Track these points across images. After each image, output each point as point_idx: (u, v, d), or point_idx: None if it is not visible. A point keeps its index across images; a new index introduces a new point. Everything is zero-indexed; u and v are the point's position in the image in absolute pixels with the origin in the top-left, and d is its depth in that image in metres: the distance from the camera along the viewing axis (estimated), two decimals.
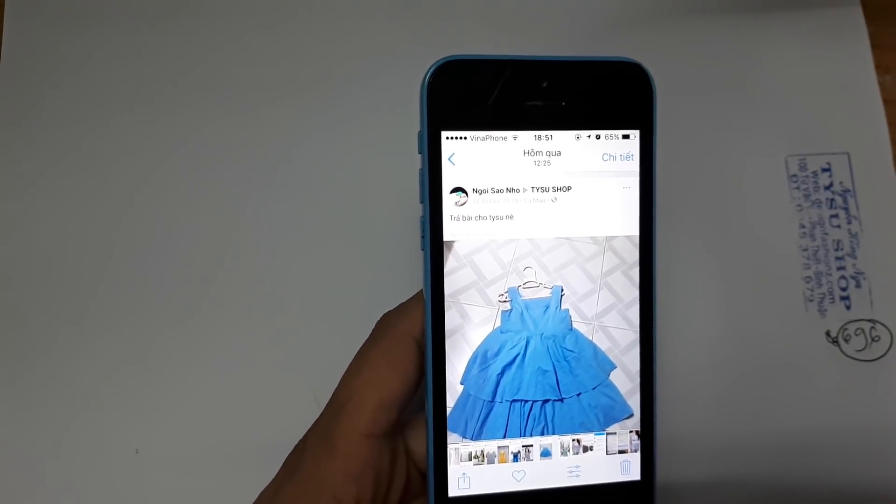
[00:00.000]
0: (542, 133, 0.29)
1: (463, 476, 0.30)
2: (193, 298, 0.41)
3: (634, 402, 0.31)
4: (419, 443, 0.31)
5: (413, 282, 0.37)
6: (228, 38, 0.44)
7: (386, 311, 0.32)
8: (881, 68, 0.46)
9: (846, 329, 0.41)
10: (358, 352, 0.31)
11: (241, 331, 0.40)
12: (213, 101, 0.43)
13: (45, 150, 0.42)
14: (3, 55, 0.43)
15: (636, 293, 0.30)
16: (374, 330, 0.31)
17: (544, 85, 0.29)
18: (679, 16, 0.46)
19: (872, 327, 0.41)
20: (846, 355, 0.41)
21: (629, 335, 0.31)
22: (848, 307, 0.42)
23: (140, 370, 0.40)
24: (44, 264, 0.41)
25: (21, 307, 0.40)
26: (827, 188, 0.44)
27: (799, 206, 0.44)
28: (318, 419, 0.31)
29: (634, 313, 0.30)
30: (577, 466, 0.30)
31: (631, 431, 0.31)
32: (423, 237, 0.29)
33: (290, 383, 0.40)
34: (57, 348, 0.40)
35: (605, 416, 0.31)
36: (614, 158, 0.30)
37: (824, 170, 0.44)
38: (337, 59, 0.44)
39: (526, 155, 0.29)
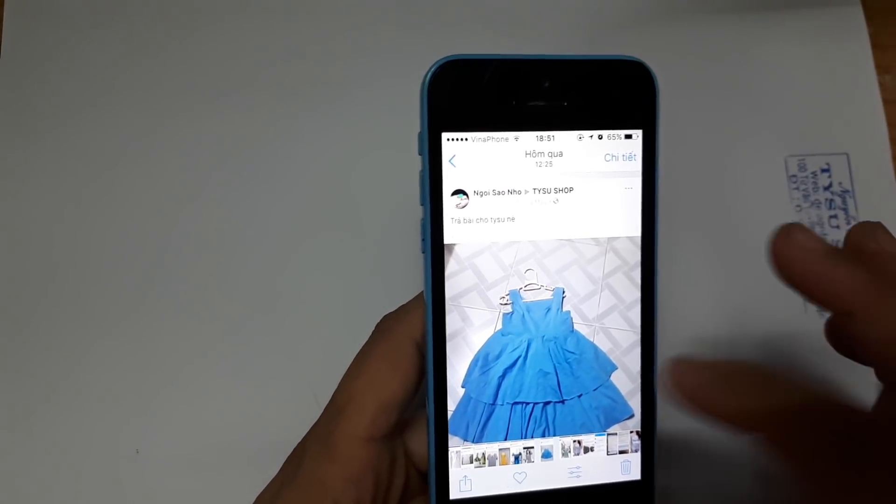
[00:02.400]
0: (544, 134, 0.29)
1: (464, 478, 0.30)
2: (194, 299, 0.41)
3: (635, 403, 0.31)
4: (418, 443, 0.31)
5: (415, 284, 0.37)
6: (228, 37, 0.44)
7: (386, 312, 0.31)
8: (881, 68, 0.46)
9: None
10: (357, 354, 0.31)
11: (241, 331, 0.40)
12: (212, 101, 0.43)
13: (45, 150, 0.42)
14: (3, 55, 0.43)
15: (637, 294, 0.30)
16: (373, 332, 0.31)
17: (546, 85, 0.28)
18: (679, 15, 0.46)
19: None
20: None
21: (630, 336, 0.30)
22: None
23: (140, 370, 0.40)
24: (43, 264, 0.41)
25: (21, 307, 0.40)
26: (826, 189, 0.44)
27: (798, 206, 0.44)
28: (317, 422, 0.31)
29: (636, 314, 0.30)
30: (578, 467, 0.30)
31: (632, 432, 0.31)
32: (423, 240, 0.29)
33: (291, 384, 0.40)
34: (57, 348, 0.40)
35: (605, 416, 0.31)
36: (616, 159, 0.30)
37: (824, 170, 0.44)
38: (337, 60, 0.44)
39: (527, 156, 0.29)
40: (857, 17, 0.46)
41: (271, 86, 0.43)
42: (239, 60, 0.44)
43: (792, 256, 0.25)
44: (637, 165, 0.30)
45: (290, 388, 0.40)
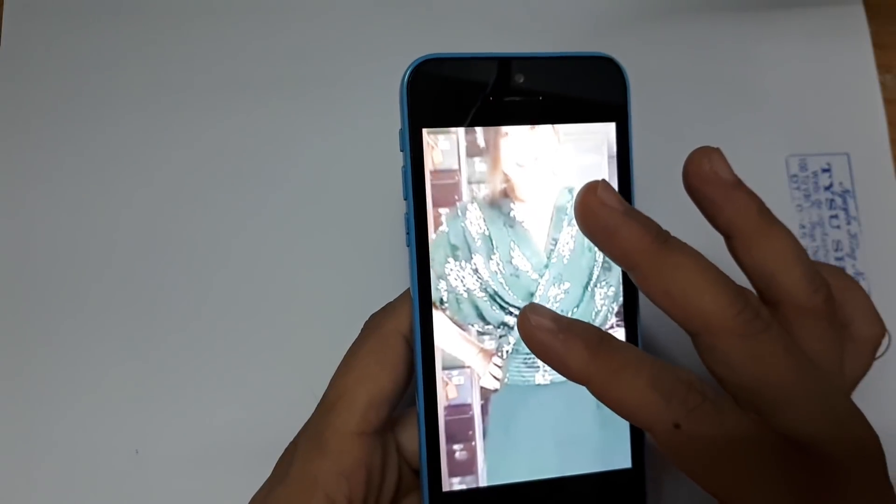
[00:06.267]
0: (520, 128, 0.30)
1: None
2: (191, 298, 0.41)
3: None
4: (410, 438, 0.31)
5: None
6: (226, 37, 0.44)
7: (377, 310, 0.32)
8: (882, 68, 0.45)
9: None
10: (347, 352, 0.31)
11: (239, 331, 0.41)
12: (209, 100, 0.43)
13: (45, 149, 0.42)
14: (3, 53, 0.43)
15: (619, 287, 0.31)
16: (362, 329, 0.31)
17: (521, 81, 0.29)
18: (679, 15, 0.46)
19: None
20: None
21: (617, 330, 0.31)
22: None
23: (140, 370, 0.40)
24: (43, 263, 0.41)
25: (20, 306, 0.40)
26: (827, 188, 0.44)
27: (799, 206, 0.43)
28: (309, 419, 0.31)
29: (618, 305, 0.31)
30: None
31: None
32: (407, 234, 0.29)
33: (290, 383, 0.40)
34: (56, 348, 0.40)
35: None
36: (591, 151, 0.30)
37: (824, 170, 0.44)
38: (330, 59, 0.44)
39: None
40: (859, 16, 0.46)
41: (267, 85, 0.44)
42: (236, 60, 0.44)
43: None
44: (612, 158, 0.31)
45: (289, 387, 0.40)
